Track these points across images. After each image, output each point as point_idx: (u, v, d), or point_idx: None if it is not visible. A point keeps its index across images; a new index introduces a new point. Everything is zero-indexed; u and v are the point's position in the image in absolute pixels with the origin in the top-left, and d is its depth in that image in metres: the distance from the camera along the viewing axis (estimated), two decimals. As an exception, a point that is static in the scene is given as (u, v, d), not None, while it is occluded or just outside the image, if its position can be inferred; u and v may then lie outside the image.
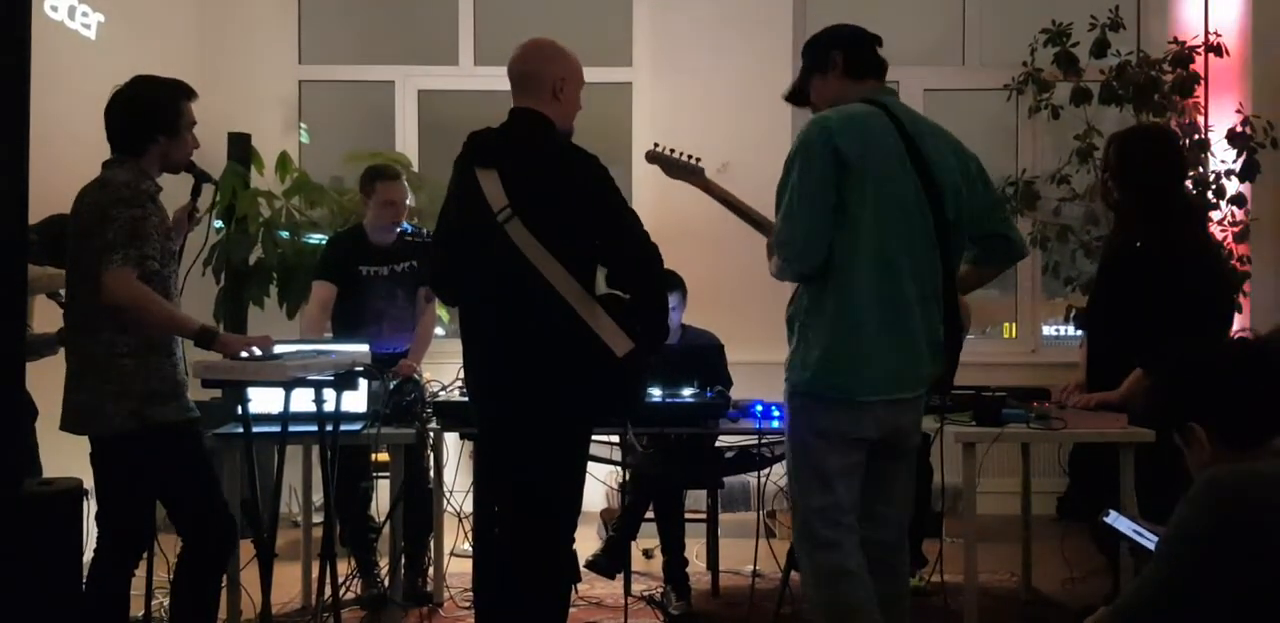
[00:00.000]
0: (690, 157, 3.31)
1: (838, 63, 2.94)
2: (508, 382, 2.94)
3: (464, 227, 3.00)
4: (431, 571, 4.21)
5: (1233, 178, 5.53)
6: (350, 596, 4.07)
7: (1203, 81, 5.64)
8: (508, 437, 3.00)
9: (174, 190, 3.28)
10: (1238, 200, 5.55)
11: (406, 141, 6.26)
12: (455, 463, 4.31)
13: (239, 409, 3.26)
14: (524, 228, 2.86)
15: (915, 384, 2.86)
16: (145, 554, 3.25)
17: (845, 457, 2.83)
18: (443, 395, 4.00)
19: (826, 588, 2.82)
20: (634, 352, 2.86)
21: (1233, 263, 5.40)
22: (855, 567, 2.80)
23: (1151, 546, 2.23)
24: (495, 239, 2.88)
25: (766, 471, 4.15)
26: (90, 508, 3.10)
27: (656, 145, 3.35)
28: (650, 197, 5.89)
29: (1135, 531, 2.33)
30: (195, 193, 3.29)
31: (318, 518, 4.38)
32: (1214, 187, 5.51)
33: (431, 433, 3.96)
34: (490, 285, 2.95)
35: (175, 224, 3.27)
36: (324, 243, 4.85)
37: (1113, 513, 2.39)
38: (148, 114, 3.09)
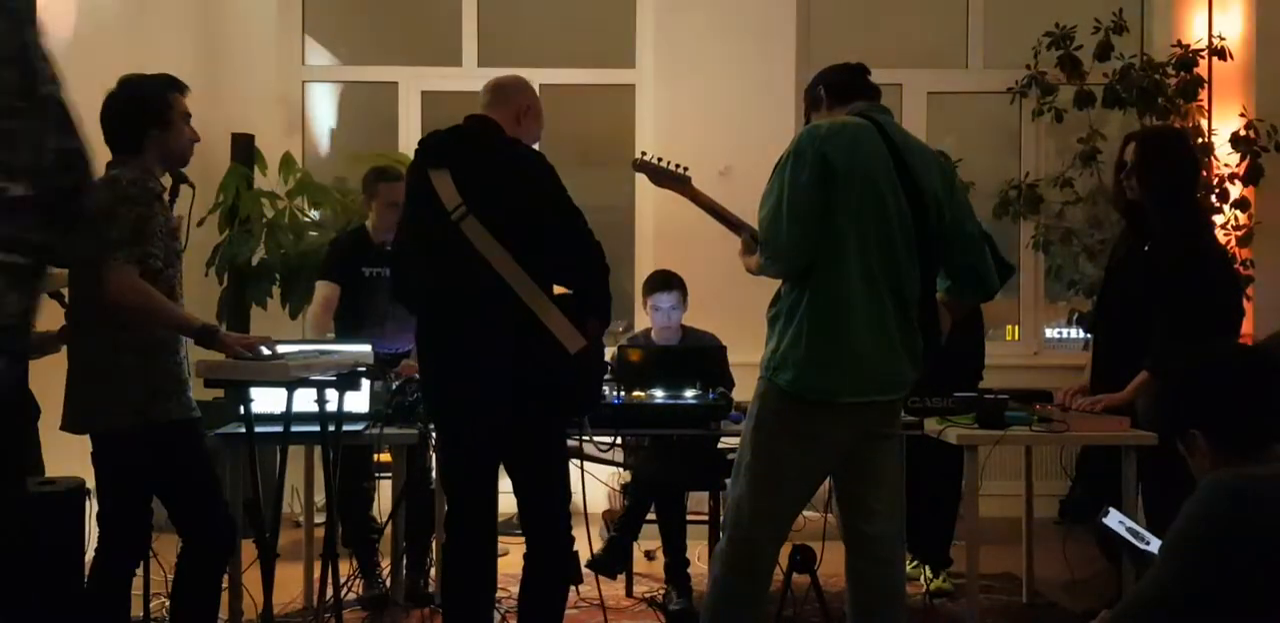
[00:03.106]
0: (677, 165, 3.36)
1: (822, 95, 3.06)
2: (469, 381, 3.00)
3: (420, 228, 3.07)
4: (433, 571, 4.20)
5: (1236, 181, 5.53)
6: (352, 596, 4.06)
7: (1206, 85, 5.64)
8: (474, 438, 3.07)
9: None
10: (1241, 204, 5.54)
11: (410, 142, 6.25)
12: (457, 464, 4.30)
13: (241, 409, 3.26)
14: (479, 225, 2.94)
15: (895, 388, 2.91)
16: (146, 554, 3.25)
17: (808, 461, 2.88)
18: (445, 396, 3.99)
19: (724, 576, 2.93)
20: (586, 350, 2.97)
21: (1235, 266, 5.40)
22: (763, 568, 2.92)
23: (1143, 548, 2.24)
24: (451, 238, 2.95)
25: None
26: (92, 507, 3.11)
27: (644, 154, 3.43)
28: (654, 198, 5.88)
29: (1131, 531, 2.32)
30: (174, 193, 3.28)
31: (320, 519, 4.37)
32: (1217, 190, 5.51)
33: (433, 434, 3.96)
34: (446, 285, 3.01)
35: None
36: (327, 244, 4.85)
37: (1111, 511, 2.38)
38: (137, 108, 3.09)
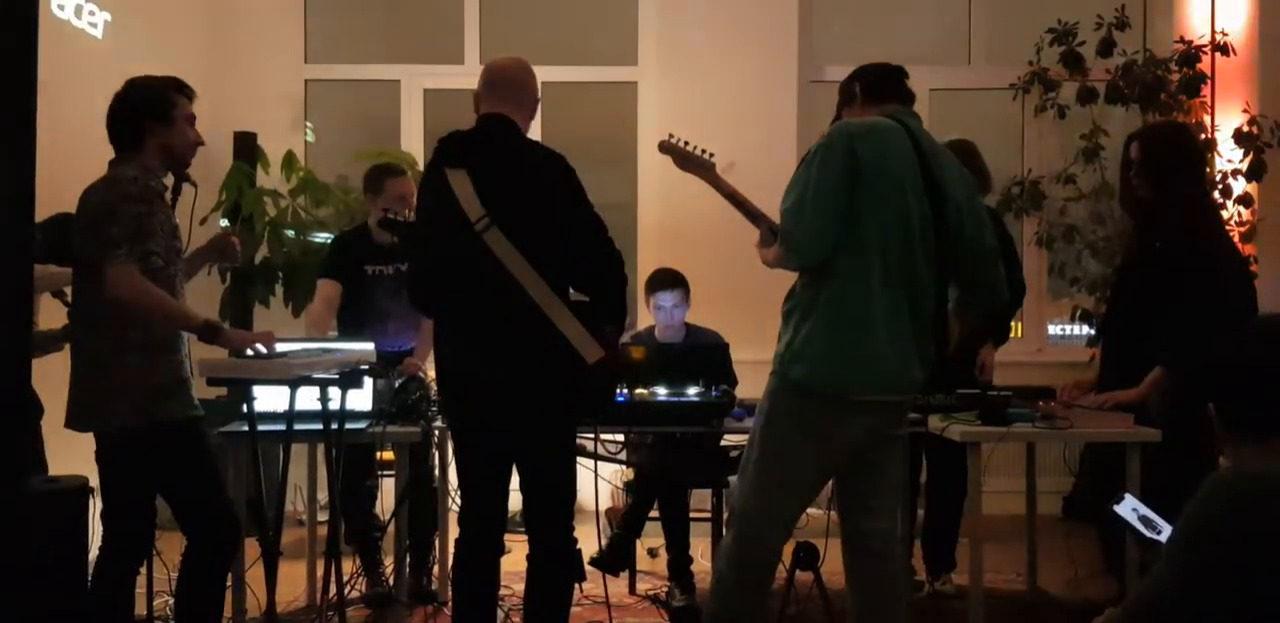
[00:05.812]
0: (703, 151, 3.34)
1: (857, 92, 3.06)
2: (486, 385, 3.00)
3: (439, 233, 3.05)
4: (436, 569, 4.21)
5: (1239, 177, 5.52)
6: (355, 594, 4.07)
7: (1209, 81, 5.63)
8: (488, 440, 3.07)
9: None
10: (1244, 200, 5.54)
11: (412, 141, 6.26)
12: (460, 462, 4.31)
13: (244, 408, 3.26)
14: (502, 237, 2.92)
15: (904, 389, 2.91)
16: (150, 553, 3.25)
17: (817, 459, 2.89)
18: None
19: (729, 572, 2.95)
20: (604, 360, 2.96)
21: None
22: (767, 565, 2.95)
23: (1152, 537, 2.23)
24: (473, 247, 2.94)
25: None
26: (95, 506, 3.11)
27: (671, 136, 3.39)
28: (655, 195, 5.89)
29: (1144, 519, 2.31)
30: (175, 192, 3.28)
31: (323, 517, 4.38)
32: (1220, 186, 5.50)
33: (436, 432, 3.96)
34: (467, 293, 3.00)
35: (216, 249, 3.34)
36: (329, 242, 4.86)
37: (1126, 497, 2.37)
38: (139, 104, 3.09)
